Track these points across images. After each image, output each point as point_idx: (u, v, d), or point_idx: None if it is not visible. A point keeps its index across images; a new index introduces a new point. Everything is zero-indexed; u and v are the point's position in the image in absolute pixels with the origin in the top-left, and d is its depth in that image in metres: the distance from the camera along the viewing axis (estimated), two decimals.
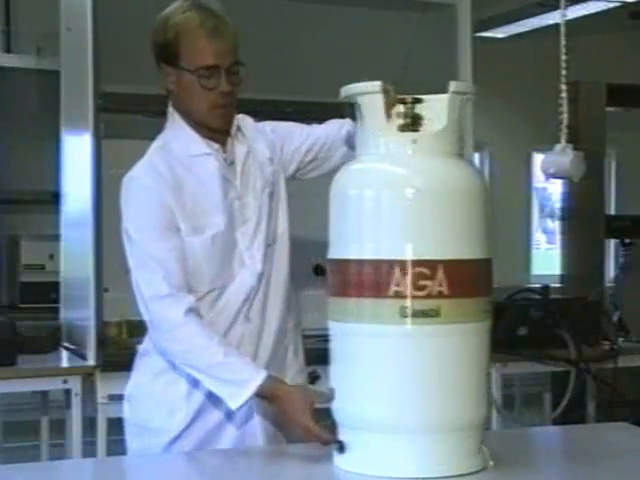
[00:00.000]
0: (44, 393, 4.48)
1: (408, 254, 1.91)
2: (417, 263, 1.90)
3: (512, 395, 5.62)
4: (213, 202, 2.31)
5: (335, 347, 2.04)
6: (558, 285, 5.55)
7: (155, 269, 2.25)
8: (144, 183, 2.29)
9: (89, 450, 3.62)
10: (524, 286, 5.32)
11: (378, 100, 1.98)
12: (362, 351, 1.97)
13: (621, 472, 2.04)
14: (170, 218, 2.26)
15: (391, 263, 1.91)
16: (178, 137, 2.35)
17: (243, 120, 2.44)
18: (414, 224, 1.93)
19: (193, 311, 2.24)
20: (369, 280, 1.93)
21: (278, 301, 2.40)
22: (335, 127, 2.48)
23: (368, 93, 2.01)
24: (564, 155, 3.46)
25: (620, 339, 4.30)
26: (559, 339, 3.98)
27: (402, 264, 1.90)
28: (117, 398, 3.55)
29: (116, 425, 3.63)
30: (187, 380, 2.31)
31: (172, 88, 2.34)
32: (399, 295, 1.90)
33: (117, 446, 3.47)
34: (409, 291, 1.90)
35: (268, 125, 2.49)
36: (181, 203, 2.27)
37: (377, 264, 1.92)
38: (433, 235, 1.93)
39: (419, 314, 1.90)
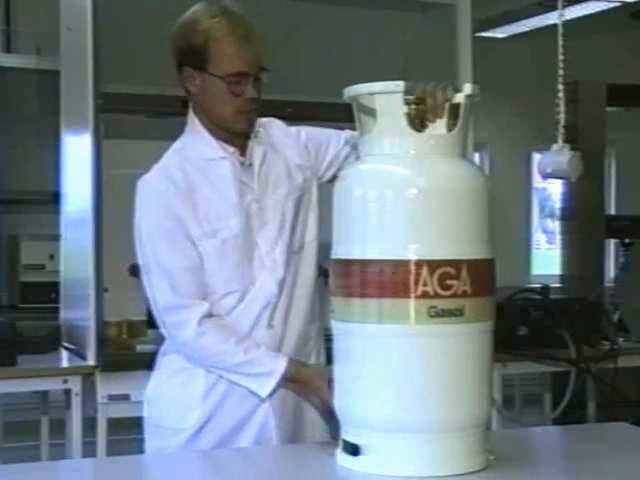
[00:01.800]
0: (44, 393, 4.49)
1: (411, 254, 1.90)
2: (420, 263, 1.90)
3: (512, 395, 5.62)
4: (228, 205, 2.31)
5: (339, 347, 2.04)
6: (558, 285, 5.55)
7: (164, 279, 2.28)
8: (155, 188, 2.30)
9: (89, 450, 3.63)
10: (524, 286, 5.33)
11: (383, 100, 1.98)
12: (366, 351, 1.97)
13: (621, 472, 2.04)
14: (179, 226, 2.27)
15: (394, 263, 1.91)
16: (195, 141, 2.36)
17: (269, 123, 2.44)
18: (418, 224, 1.93)
19: (207, 317, 2.27)
20: (372, 280, 1.93)
21: (301, 309, 2.40)
22: (348, 135, 2.47)
23: (373, 93, 2.00)
24: (561, 155, 3.46)
25: (620, 339, 4.30)
26: (559, 339, 3.97)
27: (405, 264, 1.90)
28: (117, 398, 3.57)
29: (116, 425, 3.64)
30: (205, 379, 2.32)
31: (195, 92, 2.33)
32: (404, 295, 1.90)
33: (117, 446, 3.48)
34: (413, 291, 1.89)
35: (303, 130, 2.48)
36: (192, 209, 2.28)
37: (381, 264, 1.92)
38: (437, 235, 1.93)
39: (421, 314, 1.90)
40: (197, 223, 2.28)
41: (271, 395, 2.30)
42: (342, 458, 2.03)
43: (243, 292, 2.32)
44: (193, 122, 2.38)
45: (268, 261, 2.34)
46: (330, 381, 2.14)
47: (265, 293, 2.33)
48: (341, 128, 2.49)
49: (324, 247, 2.40)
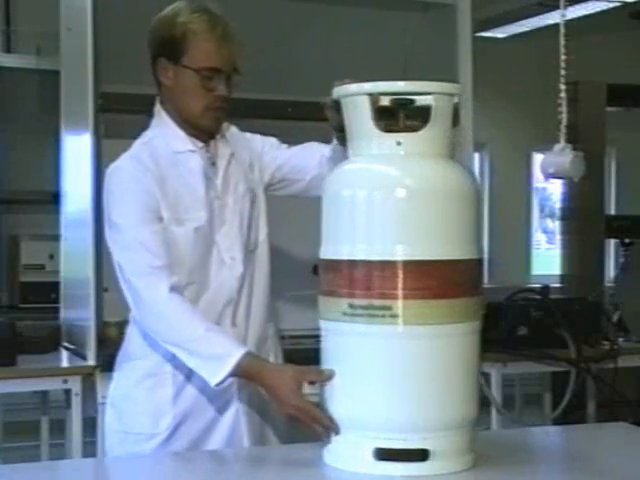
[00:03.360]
0: (44, 393, 4.49)
1: (399, 255, 1.91)
2: (408, 264, 1.91)
3: (512, 395, 5.62)
4: (195, 198, 2.33)
5: (326, 347, 2.05)
6: (558, 285, 5.55)
7: (139, 250, 2.26)
8: (129, 171, 2.31)
9: (89, 450, 3.62)
10: (524, 286, 5.33)
11: (368, 101, 1.98)
12: (353, 351, 1.98)
13: (621, 472, 2.04)
14: (154, 205, 2.28)
15: (382, 264, 1.92)
16: (163, 134, 2.38)
17: (228, 127, 2.48)
18: (405, 225, 1.94)
19: (176, 290, 2.24)
20: (360, 280, 1.94)
21: (260, 307, 2.42)
22: (310, 152, 2.50)
23: (358, 94, 2.01)
24: (563, 155, 3.46)
25: (620, 339, 4.30)
26: (559, 339, 3.97)
27: (393, 265, 1.91)
28: None
29: None
30: (173, 383, 2.32)
31: (167, 84, 2.36)
32: (389, 296, 1.91)
33: None
34: (400, 292, 1.91)
35: (257, 136, 2.54)
36: (164, 194, 2.29)
37: (368, 264, 1.94)
38: (424, 236, 1.94)
39: (409, 315, 1.92)
40: (169, 209, 2.29)
41: (222, 386, 2.16)
42: (329, 458, 2.03)
43: (201, 285, 2.32)
44: (161, 116, 2.40)
45: (227, 258, 2.36)
46: (301, 382, 2.08)
47: (227, 289, 2.35)
48: None
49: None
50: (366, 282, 1.93)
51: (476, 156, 8.21)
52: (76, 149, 3.93)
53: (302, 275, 3.47)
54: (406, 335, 1.93)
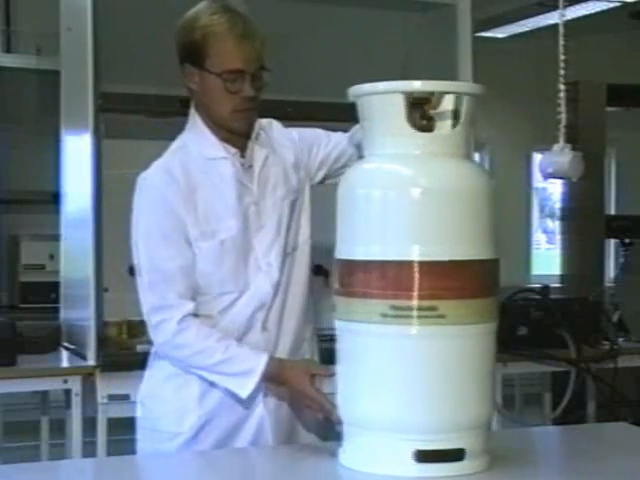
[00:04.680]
0: (44, 393, 4.49)
1: (415, 255, 1.90)
2: (424, 264, 1.90)
3: (512, 395, 5.62)
4: (227, 206, 2.30)
5: (341, 347, 2.03)
6: (558, 285, 5.55)
7: (155, 279, 2.27)
8: (156, 185, 2.29)
9: (89, 450, 3.62)
10: (524, 286, 5.32)
11: (387, 100, 1.97)
12: (368, 351, 1.97)
13: (621, 472, 2.04)
14: (177, 225, 2.26)
15: (398, 264, 1.91)
16: (197, 139, 2.35)
17: (269, 124, 2.44)
18: (422, 225, 1.93)
19: (190, 316, 2.25)
20: (376, 280, 1.92)
21: (295, 311, 2.38)
22: (340, 136, 2.47)
23: (378, 93, 2.00)
24: (563, 155, 3.46)
25: (620, 339, 4.30)
26: (559, 339, 3.98)
27: (409, 265, 1.90)
28: (117, 398, 3.57)
29: (116, 425, 3.64)
30: (199, 383, 2.30)
31: (195, 89, 2.33)
32: (407, 296, 1.90)
33: (117, 446, 3.48)
34: (416, 292, 1.89)
35: (295, 131, 2.48)
36: (193, 208, 2.27)
37: (384, 265, 1.92)
38: (440, 236, 1.93)
39: (425, 315, 1.90)
40: (196, 223, 2.27)
41: (252, 396, 2.25)
42: (344, 458, 2.03)
43: (238, 293, 2.31)
44: (195, 120, 2.37)
45: (264, 264, 2.33)
46: (312, 372, 2.18)
47: (260, 295, 2.32)
48: (342, 129, 2.49)
49: (319, 248, 2.40)
50: (381, 282, 1.92)
51: (476, 156, 8.21)
52: (76, 149, 3.93)
53: None
54: (422, 335, 1.91)
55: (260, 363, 2.22)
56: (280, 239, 2.35)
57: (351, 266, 1.98)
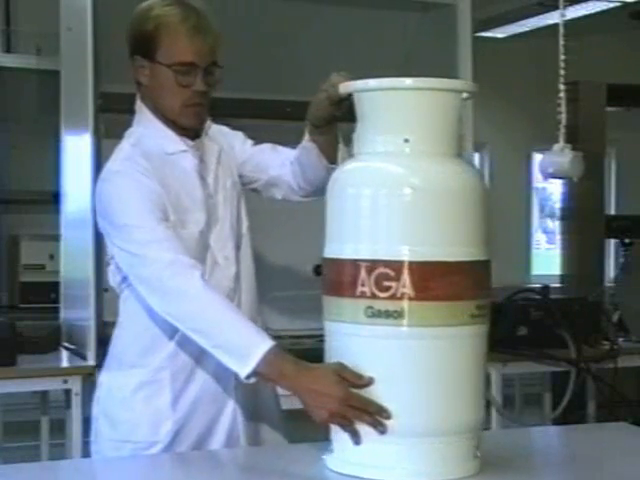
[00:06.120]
0: (44, 393, 4.49)
1: (404, 254, 1.88)
2: (413, 264, 1.88)
3: (512, 395, 5.62)
4: (193, 199, 2.27)
5: (330, 346, 2.01)
6: (558, 285, 5.55)
7: (158, 244, 2.14)
8: (129, 174, 2.22)
9: (89, 450, 3.62)
10: (524, 286, 5.33)
11: (377, 97, 1.97)
12: (356, 352, 1.94)
13: (621, 472, 2.04)
14: (162, 204, 2.20)
15: (388, 263, 1.89)
16: (152, 134, 2.30)
17: (210, 125, 2.40)
18: (411, 224, 1.91)
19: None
20: (365, 279, 1.90)
21: (249, 302, 2.35)
22: (275, 153, 2.44)
23: (367, 90, 2.00)
24: (563, 155, 3.47)
25: (620, 339, 4.30)
26: (559, 339, 3.98)
27: (399, 264, 1.88)
28: None
29: None
30: (171, 387, 2.26)
31: (145, 82, 2.30)
32: (397, 296, 1.88)
33: None
34: (406, 292, 1.87)
35: (227, 129, 2.45)
36: (167, 194, 2.22)
37: (372, 264, 1.90)
38: (430, 236, 1.91)
39: (414, 316, 1.88)
40: (172, 208, 2.21)
41: (252, 375, 2.02)
42: (331, 462, 2.00)
43: None
44: (142, 113, 2.33)
45: (221, 258, 2.29)
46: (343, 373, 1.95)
47: (222, 290, 2.23)
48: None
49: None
50: (370, 281, 1.89)
51: (476, 156, 8.21)
52: (76, 149, 3.93)
53: (303, 276, 3.47)
54: (412, 336, 1.89)
55: (268, 340, 2.03)
56: (233, 232, 2.33)
57: (339, 265, 1.95)
